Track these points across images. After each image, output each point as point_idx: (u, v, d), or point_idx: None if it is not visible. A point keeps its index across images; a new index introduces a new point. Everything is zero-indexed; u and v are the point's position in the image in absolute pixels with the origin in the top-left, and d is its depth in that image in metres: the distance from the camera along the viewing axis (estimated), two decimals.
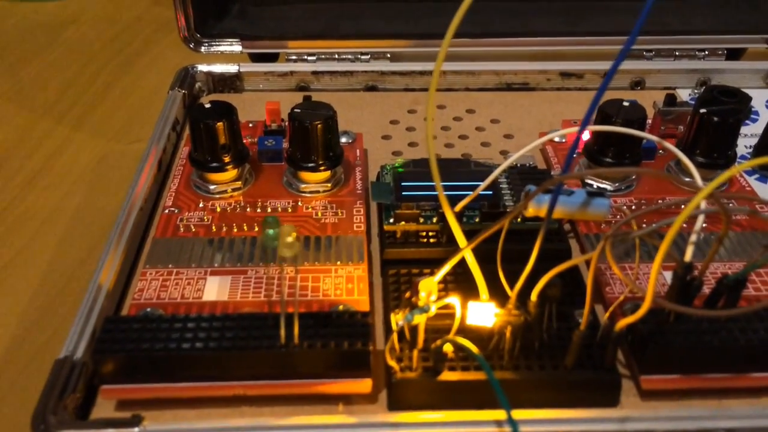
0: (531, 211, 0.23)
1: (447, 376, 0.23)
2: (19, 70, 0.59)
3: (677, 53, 0.42)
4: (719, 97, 0.31)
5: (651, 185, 0.32)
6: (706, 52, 0.42)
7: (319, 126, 0.29)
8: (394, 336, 0.22)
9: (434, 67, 0.20)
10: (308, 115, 0.29)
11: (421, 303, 0.21)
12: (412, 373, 0.23)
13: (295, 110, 0.30)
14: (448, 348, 0.22)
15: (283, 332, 0.22)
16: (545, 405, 0.22)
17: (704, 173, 0.31)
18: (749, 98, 0.32)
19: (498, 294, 0.23)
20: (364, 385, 0.23)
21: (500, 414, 0.21)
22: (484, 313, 0.22)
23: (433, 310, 0.21)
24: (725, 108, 0.30)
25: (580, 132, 0.21)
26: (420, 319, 0.21)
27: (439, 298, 0.22)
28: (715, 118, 0.30)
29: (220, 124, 0.29)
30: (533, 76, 0.42)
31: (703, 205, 0.23)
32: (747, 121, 0.39)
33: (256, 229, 0.29)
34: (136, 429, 0.21)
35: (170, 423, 0.21)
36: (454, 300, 0.22)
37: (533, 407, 0.22)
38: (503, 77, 0.42)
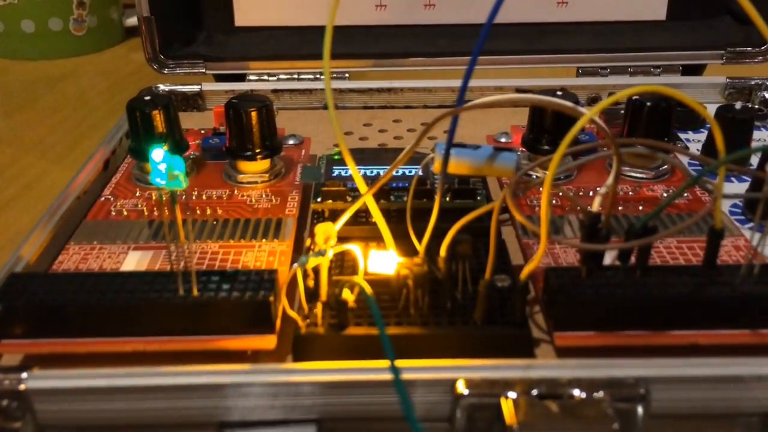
0: (437, 165, 0.23)
1: (353, 330, 0.22)
2: (12, 115, 0.61)
3: (631, 70, 0.43)
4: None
5: (591, 174, 0.32)
6: (661, 69, 0.43)
7: (254, 113, 0.30)
8: (299, 281, 0.22)
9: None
10: (243, 103, 0.30)
11: (317, 247, 0.21)
12: (317, 328, 0.22)
13: (232, 100, 0.30)
14: (348, 296, 0.21)
15: (181, 285, 0.22)
16: None
17: (644, 161, 0.31)
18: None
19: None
20: (268, 341, 0.22)
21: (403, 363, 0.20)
22: (385, 261, 0.22)
23: (330, 254, 0.21)
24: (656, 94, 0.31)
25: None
26: (316, 262, 0.21)
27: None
28: (648, 103, 0.30)
29: (156, 112, 0.30)
30: (489, 93, 0.42)
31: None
32: (702, 129, 0.39)
33: (188, 213, 0.29)
34: (24, 374, 0.20)
35: (58, 370, 0.21)
36: (354, 247, 0.21)
37: None
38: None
